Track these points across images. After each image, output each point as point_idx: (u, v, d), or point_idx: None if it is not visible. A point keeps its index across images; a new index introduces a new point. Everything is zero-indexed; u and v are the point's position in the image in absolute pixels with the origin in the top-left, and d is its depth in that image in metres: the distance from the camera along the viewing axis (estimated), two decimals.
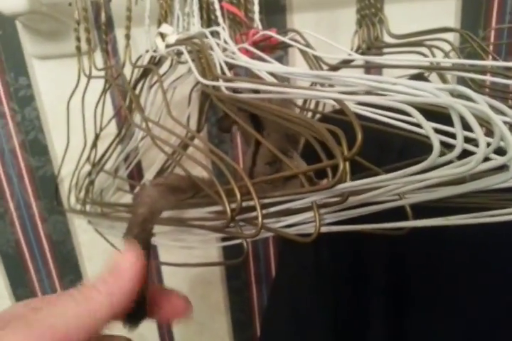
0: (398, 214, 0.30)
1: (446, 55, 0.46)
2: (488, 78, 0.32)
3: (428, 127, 0.17)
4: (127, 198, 0.64)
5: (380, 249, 0.45)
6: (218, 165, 0.28)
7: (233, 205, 0.28)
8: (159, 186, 0.34)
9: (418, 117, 0.18)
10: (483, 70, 0.32)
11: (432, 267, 0.42)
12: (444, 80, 0.42)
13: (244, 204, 0.29)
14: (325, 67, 0.42)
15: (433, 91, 0.19)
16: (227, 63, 0.39)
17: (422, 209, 0.28)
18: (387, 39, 0.49)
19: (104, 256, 0.64)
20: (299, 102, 0.53)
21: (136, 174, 0.66)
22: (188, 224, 0.32)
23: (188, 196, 0.34)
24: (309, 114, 0.54)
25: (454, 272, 0.40)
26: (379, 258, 0.45)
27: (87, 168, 0.58)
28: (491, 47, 0.65)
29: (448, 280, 0.41)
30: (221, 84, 0.34)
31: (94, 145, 0.55)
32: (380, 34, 0.48)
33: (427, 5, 0.63)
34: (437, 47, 0.43)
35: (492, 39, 0.65)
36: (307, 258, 0.52)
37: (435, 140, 0.18)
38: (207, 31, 0.40)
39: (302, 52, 0.40)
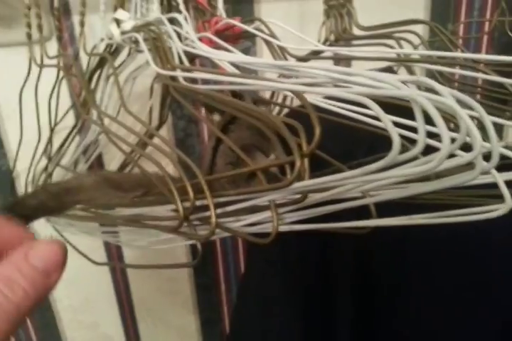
0: (363, 212, 0.28)
1: (415, 47, 0.45)
2: (457, 71, 0.31)
3: (386, 120, 0.16)
4: None
5: (347, 246, 0.44)
6: (174, 164, 0.26)
7: (188, 204, 0.26)
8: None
9: (376, 109, 0.16)
10: (452, 63, 0.31)
11: (398, 263, 0.42)
12: (411, 73, 0.41)
13: (201, 203, 0.27)
14: (292, 58, 0.40)
15: (394, 83, 0.18)
16: (186, 53, 0.37)
17: (386, 206, 0.27)
18: (356, 31, 0.48)
19: None
20: (267, 96, 0.52)
21: (96, 168, 0.63)
22: (141, 223, 0.30)
23: (131, 195, 0.32)
24: (276, 108, 0.53)
25: (419, 268, 0.40)
26: (346, 255, 0.44)
27: (45, 162, 0.55)
28: (460, 41, 0.64)
29: (413, 277, 0.41)
30: (178, 74, 0.32)
31: (50, 138, 0.52)
32: (349, 26, 0.47)
33: None
34: (406, 40, 0.42)
35: (461, 33, 0.65)
36: (275, 255, 0.51)
37: (394, 134, 0.16)
38: (164, 18, 0.38)
39: (266, 42, 0.38)
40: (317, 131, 0.20)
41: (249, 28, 0.39)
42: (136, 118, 0.35)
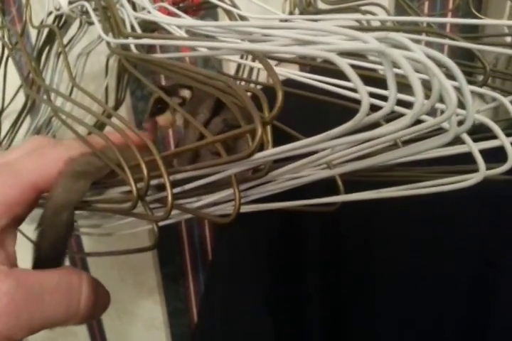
0: (331, 190, 0.27)
1: (381, 21, 0.44)
2: (423, 38, 0.30)
3: (355, 78, 0.14)
4: None
5: (316, 225, 0.43)
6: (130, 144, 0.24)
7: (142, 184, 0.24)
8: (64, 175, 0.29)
9: (343, 66, 0.14)
10: (418, 30, 0.29)
11: (368, 242, 0.41)
12: None
13: (158, 181, 0.25)
14: None
15: (361, 37, 0.16)
16: (145, 25, 0.35)
17: (356, 185, 0.25)
18: (321, 5, 0.46)
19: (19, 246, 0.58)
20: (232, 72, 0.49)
21: None
22: (93, 207, 0.27)
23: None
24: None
25: (389, 247, 0.39)
26: (315, 235, 0.43)
27: None
28: None
29: (384, 256, 0.40)
30: (128, 41, 0.29)
31: None
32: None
33: None
34: (371, 13, 0.40)
35: (426, 11, 0.64)
36: (242, 241, 0.49)
37: (363, 92, 0.15)
38: None
39: (226, 12, 0.36)
40: (279, 94, 0.18)
41: None
42: (90, 95, 0.32)
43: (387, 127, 0.15)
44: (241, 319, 0.52)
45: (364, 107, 0.15)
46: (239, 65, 0.44)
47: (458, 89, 0.17)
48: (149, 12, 0.33)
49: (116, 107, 0.51)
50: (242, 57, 0.36)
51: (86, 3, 0.34)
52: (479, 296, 0.36)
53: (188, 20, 0.29)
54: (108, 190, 0.30)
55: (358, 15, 0.41)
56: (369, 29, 0.33)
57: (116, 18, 0.32)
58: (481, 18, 0.55)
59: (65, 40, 0.44)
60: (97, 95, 0.56)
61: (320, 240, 0.42)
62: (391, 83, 0.14)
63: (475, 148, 0.20)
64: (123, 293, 0.69)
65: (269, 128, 0.20)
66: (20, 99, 0.52)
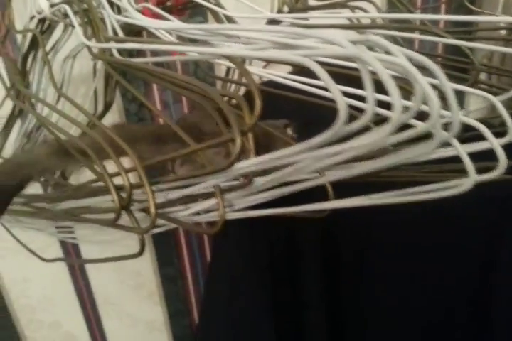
0: (322, 193, 0.26)
1: (370, 16, 0.43)
2: (415, 36, 0.29)
3: (330, 83, 0.13)
4: (35, 187, 0.56)
5: (312, 227, 0.42)
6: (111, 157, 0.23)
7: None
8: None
9: (319, 71, 0.14)
10: (409, 28, 0.29)
11: (367, 247, 0.40)
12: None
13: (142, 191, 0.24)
14: None
15: (338, 42, 0.15)
16: (129, 27, 0.34)
17: (345, 187, 0.24)
18: (311, 1, 0.45)
19: (16, 250, 0.57)
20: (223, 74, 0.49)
21: None
22: (78, 217, 0.27)
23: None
24: (233, 87, 0.50)
25: (388, 251, 0.38)
26: (312, 235, 0.42)
27: None
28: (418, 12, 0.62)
29: (383, 261, 0.39)
30: (109, 45, 0.29)
31: None
32: None
33: None
34: (361, 9, 0.39)
35: (419, 4, 0.63)
36: (242, 243, 0.48)
37: (339, 99, 0.14)
38: None
39: (212, 12, 0.35)
40: (257, 102, 0.18)
41: None
42: (75, 104, 0.32)
43: (366, 138, 0.14)
44: (242, 321, 0.52)
45: (341, 118, 0.14)
46: (228, 67, 0.43)
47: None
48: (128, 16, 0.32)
49: (106, 110, 0.50)
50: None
51: (66, 7, 0.33)
52: (481, 301, 0.35)
53: (170, 24, 0.28)
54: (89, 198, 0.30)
55: (347, 12, 0.40)
56: (357, 27, 0.32)
57: (96, 21, 0.31)
58: (474, 11, 0.54)
59: (51, 44, 0.43)
60: (87, 97, 0.55)
61: (319, 244, 0.41)
62: (369, 91, 0.13)
63: (463, 152, 0.19)
64: (123, 295, 0.69)
65: (250, 135, 0.20)
66: (9, 103, 0.51)
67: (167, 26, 0.27)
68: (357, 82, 0.24)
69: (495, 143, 0.19)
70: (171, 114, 0.61)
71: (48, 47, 0.42)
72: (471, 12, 0.60)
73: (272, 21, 0.37)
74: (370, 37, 0.17)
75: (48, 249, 0.61)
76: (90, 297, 0.68)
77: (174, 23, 0.29)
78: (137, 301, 0.70)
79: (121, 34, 0.31)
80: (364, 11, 0.40)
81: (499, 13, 0.55)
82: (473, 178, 0.19)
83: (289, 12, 0.43)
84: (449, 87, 0.15)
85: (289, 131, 0.37)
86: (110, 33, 0.31)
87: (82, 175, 0.60)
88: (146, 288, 0.69)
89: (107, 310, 0.70)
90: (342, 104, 0.14)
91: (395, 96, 0.13)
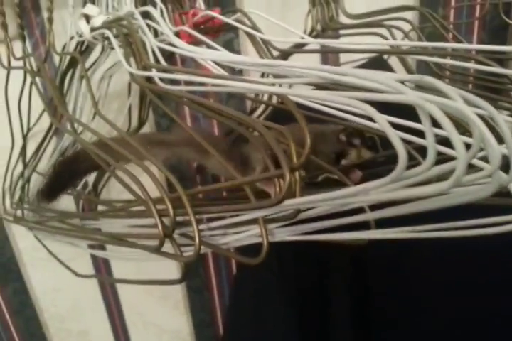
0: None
1: (406, 35, 0.42)
2: (450, 62, 0.29)
3: (393, 134, 0.13)
4: (67, 199, 0.58)
5: (344, 254, 0.42)
6: (153, 181, 0.24)
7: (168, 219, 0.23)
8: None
9: (382, 123, 0.14)
10: (444, 54, 0.28)
11: (397, 280, 0.39)
12: (405, 64, 0.38)
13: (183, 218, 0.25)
14: (276, 52, 0.38)
15: (396, 86, 0.15)
16: (162, 50, 0.34)
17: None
18: (344, 19, 0.45)
19: (47, 261, 0.58)
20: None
21: None
22: (121, 242, 0.27)
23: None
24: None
25: (416, 279, 0.37)
26: (343, 263, 0.42)
27: (21, 167, 0.52)
28: (451, 27, 0.62)
29: (410, 287, 0.39)
30: (153, 74, 0.29)
31: (24, 144, 0.49)
32: (336, 14, 0.44)
33: None
34: (396, 28, 0.39)
35: (452, 17, 0.62)
36: (269, 260, 0.48)
37: (400, 148, 0.14)
38: (136, 11, 0.34)
39: (249, 35, 0.35)
40: (307, 141, 0.18)
41: (230, 20, 0.36)
42: (111, 124, 0.32)
43: (428, 188, 0.14)
44: (265, 333, 0.52)
45: (401, 162, 0.14)
46: None
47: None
48: (175, 45, 0.32)
49: (140, 126, 0.51)
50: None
51: (107, 31, 0.34)
52: None
53: (225, 55, 0.28)
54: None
55: (382, 31, 0.40)
56: (394, 52, 0.32)
57: (138, 46, 0.31)
58: (506, 29, 0.53)
59: (88, 64, 0.44)
60: (121, 113, 0.57)
61: (348, 268, 0.41)
62: (430, 141, 0.13)
63: None
64: (149, 305, 0.70)
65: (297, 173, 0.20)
66: (46, 119, 0.52)
67: (218, 58, 0.27)
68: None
69: None
70: (200, 127, 0.62)
71: (86, 66, 0.43)
72: (506, 23, 0.60)
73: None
74: (424, 78, 0.17)
75: (78, 259, 0.62)
76: (118, 307, 0.69)
77: (224, 53, 0.29)
78: (163, 311, 0.70)
79: (162, 60, 0.31)
80: (399, 29, 0.40)
81: None
82: None
83: (323, 31, 0.44)
84: (508, 132, 0.15)
85: (342, 136, 0.37)
86: (151, 58, 0.31)
87: (113, 188, 0.61)
88: (172, 298, 0.70)
89: (133, 319, 0.70)
90: (402, 152, 0.14)
91: (460, 151, 0.13)
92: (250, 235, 0.24)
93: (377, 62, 0.49)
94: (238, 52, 0.59)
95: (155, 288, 0.68)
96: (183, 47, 0.30)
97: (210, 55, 0.29)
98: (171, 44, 0.31)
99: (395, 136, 0.14)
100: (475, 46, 0.44)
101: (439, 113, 0.14)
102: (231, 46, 0.58)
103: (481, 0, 0.60)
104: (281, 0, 0.57)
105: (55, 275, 0.65)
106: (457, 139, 0.13)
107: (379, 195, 0.15)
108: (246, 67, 0.25)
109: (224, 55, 0.29)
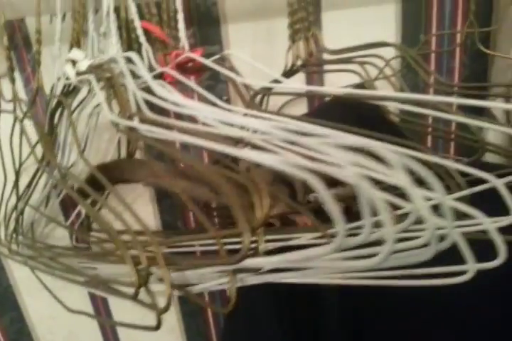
0: None
1: (381, 70, 0.44)
2: (426, 112, 0.30)
3: (337, 214, 0.15)
4: (61, 231, 0.59)
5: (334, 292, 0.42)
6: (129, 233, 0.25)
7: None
8: None
9: (325, 198, 0.15)
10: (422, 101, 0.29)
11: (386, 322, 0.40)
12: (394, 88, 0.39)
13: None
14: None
15: (337, 160, 0.16)
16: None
17: None
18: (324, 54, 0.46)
19: (44, 289, 0.59)
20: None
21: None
22: (102, 287, 0.28)
23: None
24: None
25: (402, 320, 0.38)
26: (334, 299, 0.42)
27: (14, 200, 0.54)
28: (433, 54, 0.63)
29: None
30: (136, 125, 0.30)
31: (16, 180, 0.50)
32: (315, 50, 0.46)
33: (366, 10, 0.61)
34: (370, 64, 0.41)
35: (434, 44, 0.63)
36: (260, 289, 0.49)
37: (340, 225, 0.15)
38: (118, 56, 0.36)
39: (228, 78, 0.37)
40: (265, 203, 0.19)
41: (209, 62, 0.38)
42: (95, 172, 0.33)
43: (358, 262, 0.15)
44: None
45: (339, 239, 0.15)
46: None
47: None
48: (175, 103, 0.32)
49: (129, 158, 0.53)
50: None
51: (92, 78, 0.35)
52: None
53: (219, 113, 0.29)
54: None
55: (357, 68, 0.41)
56: (372, 98, 0.33)
57: (121, 94, 0.33)
58: (488, 53, 0.54)
59: (77, 101, 0.45)
60: (111, 143, 0.58)
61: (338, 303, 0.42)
62: (367, 223, 0.14)
63: (467, 252, 0.20)
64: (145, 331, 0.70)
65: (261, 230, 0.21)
66: (38, 150, 0.54)
67: (216, 117, 0.27)
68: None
69: (496, 237, 0.20)
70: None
71: (75, 104, 0.45)
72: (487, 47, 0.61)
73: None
74: (371, 144, 0.18)
75: (73, 286, 0.63)
76: (113, 332, 0.69)
77: (219, 111, 0.29)
78: (158, 336, 0.71)
79: (144, 108, 0.32)
80: (373, 65, 0.42)
81: None
82: (473, 269, 0.20)
83: (303, 66, 0.45)
84: (448, 204, 0.16)
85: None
86: (132, 104, 0.33)
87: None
88: (166, 323, 0.70)
89: None
90: (341, 227, 0.15)
91: (389, 234, 0.14)
92: (220, 283, 0.25)
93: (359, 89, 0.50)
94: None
95: (150, 315, 0.68)
96: (163, 97, 0.31)
97: (207, 112, 0.29)
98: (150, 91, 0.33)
99: (336, 212, 0.15)
100: (455, 100, 0.43)
101: (374, 195, 0.15)
102: (218, 78, 0.60)
103: (461, 25, 0.62)
104: (265, 30, 0.59)
105: (51, 304, 0.65)
106: (388, 219, 0.14)
107: (321, 262, 0.16)
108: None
109: (218, 113, 0.29)
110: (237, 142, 0.27)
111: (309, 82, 0.64)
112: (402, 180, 0.16)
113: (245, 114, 0.28)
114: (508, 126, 0.48)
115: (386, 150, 0.18)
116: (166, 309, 0.23)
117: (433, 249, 0.16)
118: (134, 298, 0.24)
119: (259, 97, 0.48)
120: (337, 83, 0.58)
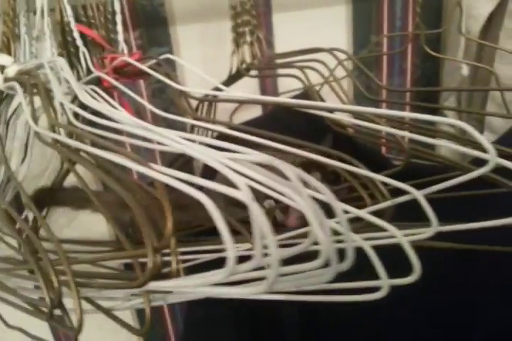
0: None
1: (330, 73, 0.43)
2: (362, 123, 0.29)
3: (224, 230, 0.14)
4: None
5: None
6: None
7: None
8: None
9: (215, 216, 0.14)
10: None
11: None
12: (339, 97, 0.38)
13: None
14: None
15: (238, 184, 0.16)
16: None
17: None
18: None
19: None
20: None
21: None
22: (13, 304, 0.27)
23: None
24: None
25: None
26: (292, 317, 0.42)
27: None
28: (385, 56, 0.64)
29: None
30: (58, 137, 0.29)
31: None
32: (260, 53, 0.45)
33: (317, 12, 0.61)
34: (311, 68, 0.40)
35: (385, 45, 0.64)
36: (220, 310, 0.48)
37: (230, 252, 0.14)
38: (45, 61, 0.34)
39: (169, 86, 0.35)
40: (168, 224, 0.18)
41: (144, 67, 0.36)
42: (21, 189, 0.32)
43: (244, 289, 0.14)
44: None
45: (230, 263, 0.14)
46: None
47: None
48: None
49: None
50: None
51: (16, 85, 0.34)
52: None
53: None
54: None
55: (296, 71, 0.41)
56: (319, 108, 0.32)
57: (47, 106, 0.31)
58: (436, 56, 0.54)
59: (12, 107, 0.43)
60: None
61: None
62: (257, 252, 0.14)
63: (379, 265, 0.19)
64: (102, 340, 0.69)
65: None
66: None
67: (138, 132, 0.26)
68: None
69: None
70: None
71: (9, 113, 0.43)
72: (438, 47, 0.62)
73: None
74: (275, 162, 0.17)
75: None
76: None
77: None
78: None
79: (71, 118, 0.30)
80: (314, 70, 0.41)
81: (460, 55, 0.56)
82: (386, 285, 0.19)
83: (246, 70, 0.44)
84: (345, 223, 0.16)
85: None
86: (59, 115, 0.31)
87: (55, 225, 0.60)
88: (124, 332, 0.69)
89: None
90: (231, 255, 0.14)
91: (274, 258, 0.13)
92: (135, 303, 0.24)
93: (305, 96, 0.50)
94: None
95: (106, 322, 0.67)
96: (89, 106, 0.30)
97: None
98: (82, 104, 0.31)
99: (226, 234, 0.14)
100: (406, 114, 0.42)
101: (259, 216, 0.14)
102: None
103: (411, 29, 0.62)
104: (214, 32, 0.58)
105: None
106: (258, 253, 0.13)
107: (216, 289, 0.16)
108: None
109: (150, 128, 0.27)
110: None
111: (263, 84, 0.64)
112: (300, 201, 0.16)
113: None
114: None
115: (286, 167, 0.17)
116: (79, 330, 0.22)
117: (333, 268, 0.16)
118: (48, 319, 0.23)
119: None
120: (289, 86, 0.58)
